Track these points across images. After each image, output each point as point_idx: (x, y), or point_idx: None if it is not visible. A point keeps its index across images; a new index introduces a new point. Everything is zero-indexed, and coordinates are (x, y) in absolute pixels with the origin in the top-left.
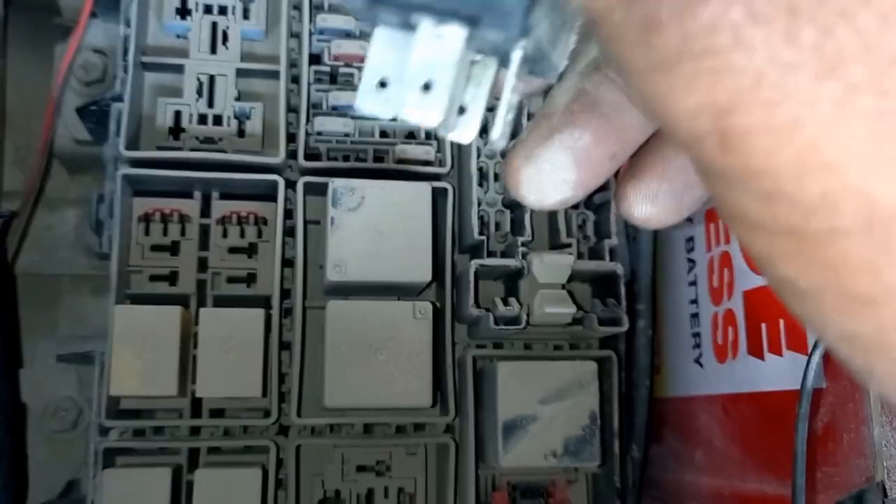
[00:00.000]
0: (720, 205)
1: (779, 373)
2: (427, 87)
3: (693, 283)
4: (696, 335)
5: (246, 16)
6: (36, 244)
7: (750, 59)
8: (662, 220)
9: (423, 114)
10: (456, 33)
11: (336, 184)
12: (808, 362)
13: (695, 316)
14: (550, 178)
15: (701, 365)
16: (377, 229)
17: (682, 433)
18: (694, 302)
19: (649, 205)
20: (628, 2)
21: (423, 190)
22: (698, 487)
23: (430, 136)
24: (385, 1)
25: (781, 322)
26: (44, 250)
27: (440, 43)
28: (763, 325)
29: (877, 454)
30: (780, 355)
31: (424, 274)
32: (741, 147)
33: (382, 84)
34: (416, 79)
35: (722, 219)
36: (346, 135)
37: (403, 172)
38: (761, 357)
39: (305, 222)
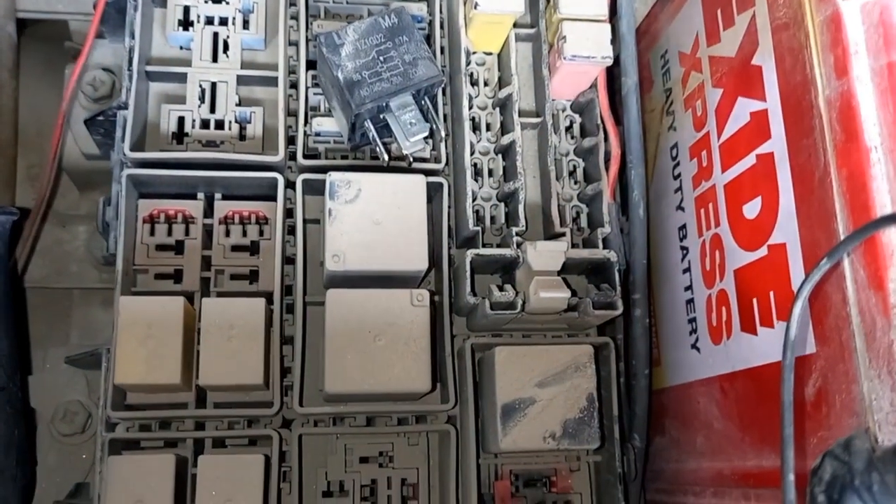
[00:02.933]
0: None
1: (771, 345)
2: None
3: (687, 270)
4: (692, 321)
5: (246, 26)
6: (48, 259)
7: None
8: None
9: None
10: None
11: (333, 176)
12: (794, 303)
13: (690, 302)
14: None
15: (698, 350)
16: (374, 220)
17: (683, 421)
18: (689, 288)
19: None
20: None
21: (418, 181)
22: (700, 472)
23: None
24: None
25: (771, 294)
26: (55, 265)
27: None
28: (754, 301)
29: (868, 408)
30: (772, 327)
31: (421, 262)
32: None
33: None
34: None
35: None
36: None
37: (400, 169)
38: (754, 332)
39: (305, 220)
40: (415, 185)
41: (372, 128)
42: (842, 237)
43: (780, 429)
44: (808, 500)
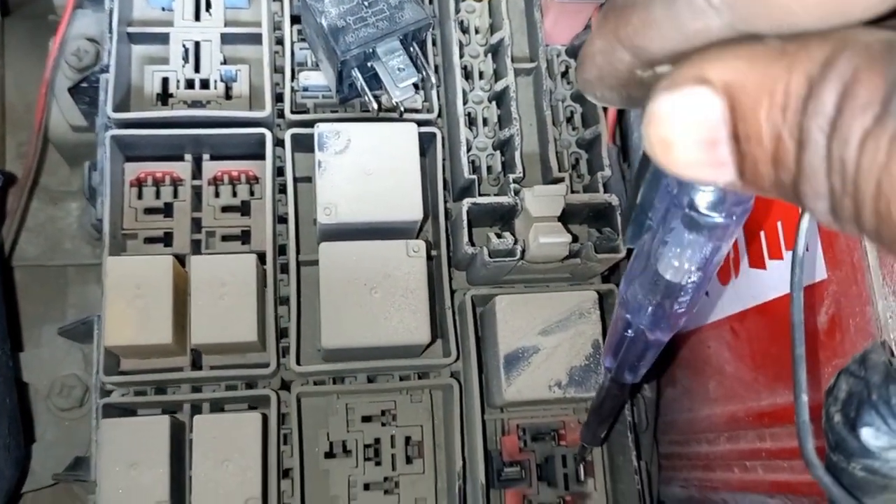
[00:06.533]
0: None
1: (781, 277)
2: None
3: None
4: None
5: None
6: (41, 236)
7: None
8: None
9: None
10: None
11: (321, 128)
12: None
13: None
14: None
15: (706, 293)
16: (365, 170)
17: (694, 369)
18: None
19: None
20: None
21: (409, 129)
22: (713, 418)
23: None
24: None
25: (779, 224)
26: (48, 242)
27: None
28: (762, 233)
29: (883, 327)
30: (781, 259)
31: (415, 212)
32: None
33: None
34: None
35: None
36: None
37: (391, 120)
38: (763, 266)
39: (296, 178)
40: (406, 133)
41: (360, 77)
42: None
43: (792, 350)
44: (823, 422)
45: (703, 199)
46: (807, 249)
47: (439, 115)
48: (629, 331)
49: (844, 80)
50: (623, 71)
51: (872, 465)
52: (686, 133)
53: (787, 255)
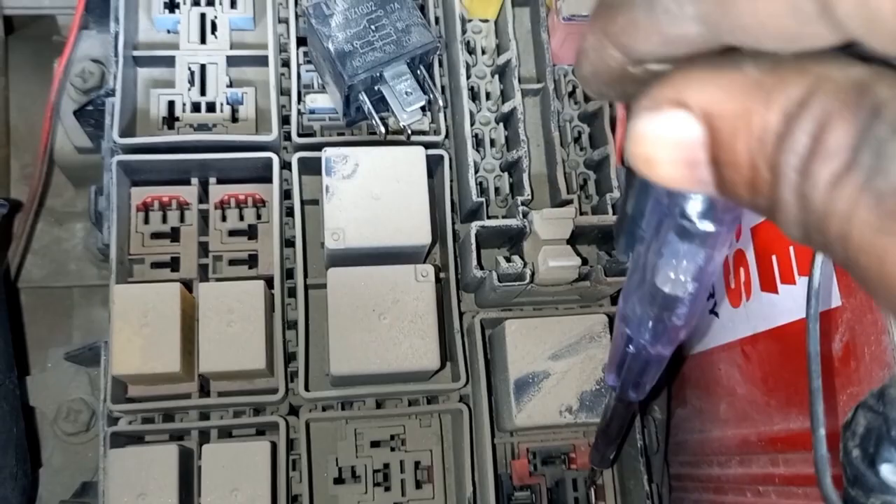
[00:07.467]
0: None
1: (794, 302)
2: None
3: None
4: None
5: (233, 5)
6: (46, 258)
7: None
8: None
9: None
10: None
11: (329, 152)
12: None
13: None
14: None
15: (717, 315)
16: (373, 195)
17: (705, 389)
18: None
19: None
20: None
21: (417, 153)
22: (725, 441)
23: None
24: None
25: (791, 249)
26: (54, 264)
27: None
28: (773, 258)
29: None
30: (794, 283)
31: (423, 236)
32: None
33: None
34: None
35: None
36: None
37: (398, 143)
38: (775, 290)
39: (303, 201)
40: (414, 157)
41: (367, 100)
42: None
43: (808, 382)
44: (841, 456)
45: (693, 208)
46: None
47: (446, 137)
48: (630, 346)
49: (817, 122)
50: (615, 67)
51: (892, 502)
52: (667, 153)
53: (800, 280)
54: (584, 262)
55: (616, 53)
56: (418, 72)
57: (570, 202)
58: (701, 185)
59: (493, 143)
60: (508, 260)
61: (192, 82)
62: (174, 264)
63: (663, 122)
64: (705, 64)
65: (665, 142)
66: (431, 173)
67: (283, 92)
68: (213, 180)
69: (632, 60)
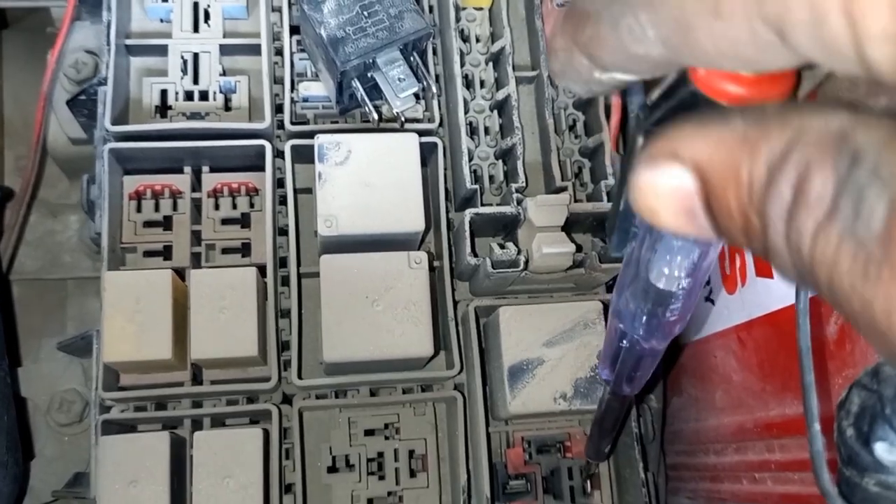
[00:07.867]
0: None
1: (789, 286)
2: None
3: None
4: None
5: None
6: (40, 250)
7: None
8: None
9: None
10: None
11: (321, 139)
12: None
13: None
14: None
15: (712, 302)
16: (366, 182)
17: (701, 377)
18: None
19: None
20: None
21: (410, 139)
22: (721, 429)
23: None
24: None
25: None
26: (48, 256)
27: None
28: None
29: None
30: None
31: (417, 223)
32: None
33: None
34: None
35: None
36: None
37: (392, 131)
38: (770, 275)
39: (296, 190)
40: (407, 144)
41: (360, 87)
42: None
43: (801, 377)
44: (835, 436)
45: None
46: None
47: (440, 125)
48: (624, 341)
49: (798, 173)
50: (583, 71)
51: (887, 481)
52: (666, 204)
53: None
54: (579, 249)
55: (584, 60)
56: (411, 58)
57: (564, 189)
58: (703, 232)
59: (487, 130)
60: (502, 247)
61: (184, 71)
62: (167, 253)
63: (659, 174)
64: (697, 119)
65: (662, 193)
66: (425, 161)
67: (277, 80)
68: (205, 169)
69: (599, 68)
